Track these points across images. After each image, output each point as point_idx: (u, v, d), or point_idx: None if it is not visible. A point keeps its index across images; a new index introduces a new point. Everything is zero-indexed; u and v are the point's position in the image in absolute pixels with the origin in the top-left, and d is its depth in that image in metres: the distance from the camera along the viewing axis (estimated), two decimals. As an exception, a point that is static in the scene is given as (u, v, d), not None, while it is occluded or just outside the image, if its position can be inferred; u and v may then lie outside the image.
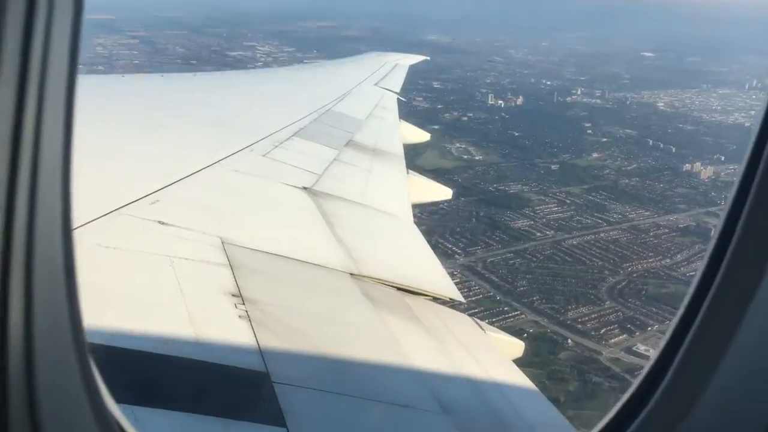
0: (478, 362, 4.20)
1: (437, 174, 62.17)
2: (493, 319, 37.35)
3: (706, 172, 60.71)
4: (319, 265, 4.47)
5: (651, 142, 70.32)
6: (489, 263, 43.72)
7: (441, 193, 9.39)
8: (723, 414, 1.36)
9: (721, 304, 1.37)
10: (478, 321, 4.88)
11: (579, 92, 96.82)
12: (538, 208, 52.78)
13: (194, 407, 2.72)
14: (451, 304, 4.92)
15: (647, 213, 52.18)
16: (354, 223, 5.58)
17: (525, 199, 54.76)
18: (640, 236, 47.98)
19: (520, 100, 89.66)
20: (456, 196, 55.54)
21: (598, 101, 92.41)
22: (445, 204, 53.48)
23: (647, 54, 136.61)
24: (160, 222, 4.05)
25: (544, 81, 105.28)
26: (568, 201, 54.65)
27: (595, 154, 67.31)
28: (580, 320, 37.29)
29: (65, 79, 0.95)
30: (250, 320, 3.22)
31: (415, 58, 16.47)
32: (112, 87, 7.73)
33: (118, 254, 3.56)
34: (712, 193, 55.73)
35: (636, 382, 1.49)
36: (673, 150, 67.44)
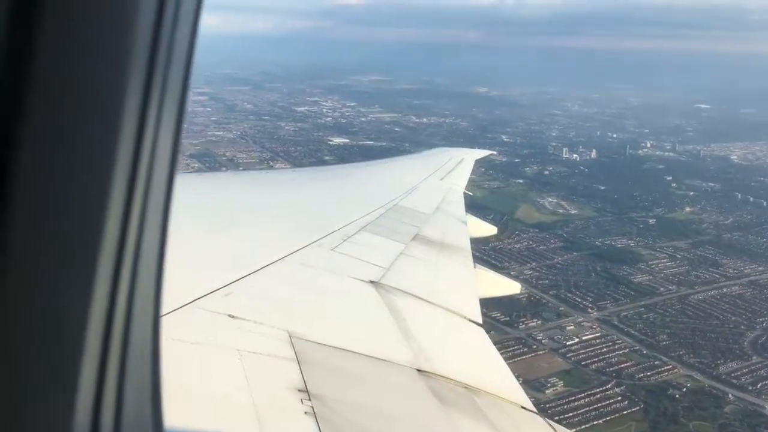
0: None
1: (540, 228, 64.65)
2: (648, 373, 39.22)
3: (804, 226, 62.47)
4: (385, 360, 4.44)
5: (740, 196, 72.38)
6: (623, 317, 45.57)
7: (509, 287, 9.43)
8: None
9: None
10: (551, 422, 4.67)
11: (649, 145, 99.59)
12: (651, 263, 54.75)
13: None
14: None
15: (761, 268, 53.92)
16: (421, 318, 5.55)
17: (636, 253, 56.85)
18: (763, 292, 49.67)
19: (594, 154, 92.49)
20: (567, 250, 57.90)
21: (671, 154, 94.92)
22: (561, 259, 55.87)
23: (702, 106, 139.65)
24: (230, 315, 4.15)
25: (609, 134, 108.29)
26: (678, 256, 56.57)
27: (688, 208, 69.44)
28: (733, 374, 38.87)
29: (165, 188, 1.03)
30: (315, 416, 3.20)
31: (481, 153, 16.59)
32: (186, 186, 8.06)
33: (188, 347, 3.62)
34: (816, 249, 57.55)
35: None
36: (765, 204, 69.33)
